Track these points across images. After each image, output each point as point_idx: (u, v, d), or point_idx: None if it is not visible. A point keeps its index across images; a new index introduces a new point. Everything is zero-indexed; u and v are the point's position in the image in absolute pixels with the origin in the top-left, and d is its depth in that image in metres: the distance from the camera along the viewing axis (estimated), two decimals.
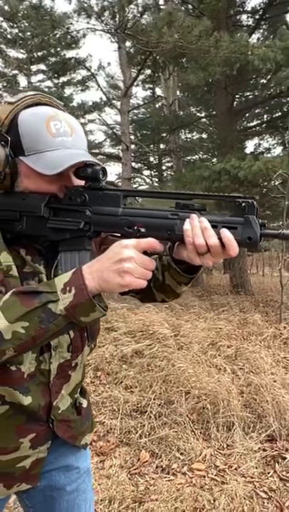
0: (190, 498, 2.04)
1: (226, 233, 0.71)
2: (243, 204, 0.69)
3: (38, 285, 0.76)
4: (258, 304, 7.21)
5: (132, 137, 13.34)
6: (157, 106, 15.17)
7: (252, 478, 2.19)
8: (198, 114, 13.19)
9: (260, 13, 8.47)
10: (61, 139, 0.81)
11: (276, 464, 2.26)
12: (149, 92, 16.49)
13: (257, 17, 9.16)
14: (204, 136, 13.85)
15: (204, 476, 2.23)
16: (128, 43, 9.53)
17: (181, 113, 12.78)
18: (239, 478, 2.18)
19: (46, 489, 1.01)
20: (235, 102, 9.48)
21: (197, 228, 0.72)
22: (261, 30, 10.00)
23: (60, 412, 0.94)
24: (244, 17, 9.84)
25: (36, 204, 0.82)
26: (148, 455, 2.44)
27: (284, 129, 8.62)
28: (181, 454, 2.42)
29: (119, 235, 0.86)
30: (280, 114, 9.61)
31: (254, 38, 9.09)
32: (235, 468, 2.28)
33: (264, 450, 2.39)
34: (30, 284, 0.85)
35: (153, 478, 2.24)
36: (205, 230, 0.72)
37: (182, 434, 2.57)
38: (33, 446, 0.92)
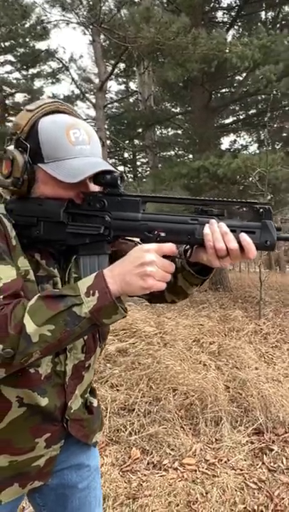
0: (183, 492, 2.11)
1: (245, 237, 0.77)
2: (261, 210, 0.75)
3: (62, 289, 0.79)
4: (237, 300, 7.40)
5: (107, 133, 13.29)
6: (131, 101, 15.15)
7: (241, 470, 2.29)
8: (173, 109, 13.28)
9: (236, 10, 8.62)
10: (80, 148, 0.85)
11: (264, 456, 2.37)
12: (123, 87, 16.46)
13: (233, 14, 9.32)
14: (179, 132, 13.97)
15: (195, 470, 2.31)
16: (103, 37, 9.48)
17: (155, 108, 12.83)
18: (229, 471, 2.27)
19: (58, 487, 1.05)
20: (211, 99, 9.62)
21: (217, 233, 0.77)
22: (236, 27, 10.20)
23: (72, 411, 0.98)
24: (220, 14, 10.00)
25: (54, 210, 0.84)
26: (139, 452, 2.49)
27: (260, 126, 8.84)
28: (172, 449, 2.49)
29: (131, 239, 0.90)
30: (255, 111, 9.82)
31: (229, 35, 9.27)
32: (225, 462, 2.37)
33: (252, 443, 2.50)
34: (45, 287, 0.88)
35: (145, 475, 2.30)
36: (225, 235, 0.77)
37: (172, 430, 2.64)
38: (47, 446, 0.95)
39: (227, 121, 11.53)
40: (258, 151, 10.70)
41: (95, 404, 1.09)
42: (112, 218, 0.83)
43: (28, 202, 0.87)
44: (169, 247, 0.78)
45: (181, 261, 0.92)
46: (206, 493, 2.10)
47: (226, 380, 3.23)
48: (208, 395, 2.88)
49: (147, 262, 0.75)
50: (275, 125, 7.70)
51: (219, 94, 10.82)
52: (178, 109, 13.10)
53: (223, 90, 10.24)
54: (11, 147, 0.87)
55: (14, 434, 0.90)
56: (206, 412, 2.76)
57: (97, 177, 0.85)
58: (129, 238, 0.93)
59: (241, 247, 0.77)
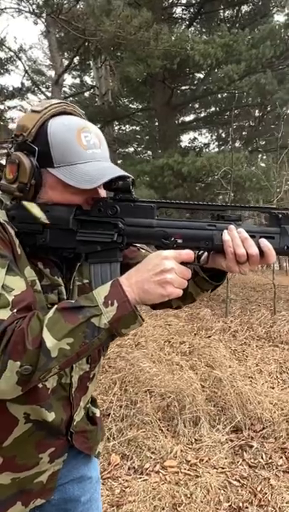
0: (167, 495, 2.13)
1: (265, 243, 0.79)
2: (280, 215, 0.78)
3: (78, 299, 0.77)
4: (203, 299, 7.57)
5: None
6: (87, 95, 14.98)
7: (223, 468, 2.35)
8: (130, 105, 13.31)
9: (197, 7, 8.79)
10: (92, 152, 0.83)
11: (244, 453, 2.45)
12: (77, 80, 16.20)
13: (192, 11, 9.50)
14: (138, 128, 14.04)
15: (178, 472, 2.35)
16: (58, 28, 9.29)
17: (114, 103, 12.79)
18: (211, 470, 2.33)
19: (60, 503, 1.03)
20: (173, 96, 9.75)
21: (237, 239, 0.80)
22: (196, 25, 10.40)
23: (75, 423, 0.97)
24: (179, 10, 10.16)
25: (62, 216, 0.83)
26: (118, 458, 2.49)
27: (221, 124, 9.09)
28: (152, 453, 2.51)
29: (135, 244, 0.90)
30: (215, 109, 10.08)
31: (189, 33, 9.42)
32: (206, 461, 2.42)
33: (231, 441, 2.58)
34: (49, 297, 0.86)
35: (127, 480, 2.30)
36: (245, 240, 0.79)
37: (150, 433, 2.66)
38: (51, 460, 0.94)
39: (188, 118, 11.75)
40: (217, 149, 10.99)
41: (98, 414, 1.08)
42: (125, 225, 0.83)
43: None
44: (188, 254, 0.79)
45: (194, 267, 0.93)
46: (191, 495, 2.14)
47: (201, 380, 3.30)
48: (185, 395, 2.93)
49: (167, 269, 0.76)
50: (236, 124, 7.94)
51: (180, 92, 11.01)
52: (136, 105, 13.15)
53: (184, 87, 10.43)
54: (11, 150, 0.84)
55: (18, 451, 0.88)
56: (184, 412, 2.81)
57: (109, 182, 0.84)
58: (134, 244, 0.93)
59: (261, 253, 0.80)
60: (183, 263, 0.79)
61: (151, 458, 2.46)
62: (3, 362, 0.69)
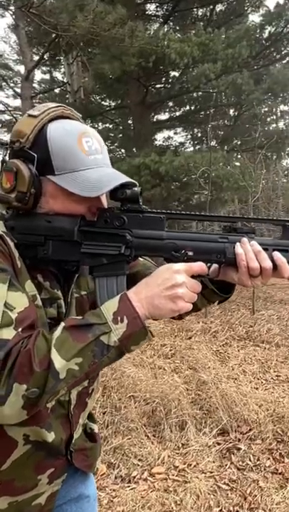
0: (157, 503, 2.12)
1: (279, 256, 0.79)
2: None
3: (86, 316, 0.74)
4: None
5: None
6: (58, 91, 14.77)
7: (211, 472, 2.37)
8: (103, 102, 13.22)
9: (171, 5, 8.83)
10: (94, 157, 0.81)
11: (232, 456, 2.47)
12: (47, 76, 15.92)
13: (165, 8, 9.53)
14: (110, 126, 13.96)
15: (166, 479, 2.34)
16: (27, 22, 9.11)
17: (86, 101, 12.67)
18: (200, 475, 2.34)
19: None
20: (147, 94, 9.75)
21: (250, 252, 0.79)
22: (169, 22, 10.45)
23: (74, 441, 0.94)
24: (152, 7, 10.17)
25: (66, 227, 0.80)
26: (105, 467, 2.46)
27: (196, 123, 9.17)
28: (139, 460, 2.49)
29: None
30: (192, 108, 10.16)
31: (163, 30, 9.45)
32: (194, 466, 2.43)
33: (218, 444, 2.59)
34: (48, 311, 0.83)
35: (114, 490, 2.28)
36: (259, 254, 0.79)
37: (136, 440, 2.64)
38: (50, 481, 0.91)
39: (162, 117, 11.79)
40: (192, 149, 11.09)
41: (96, 429, 1.06)
42: (133, 237, 0.81)
43: (33, 218, 0.81)
44: (200, 267, 0.77)
45: (203, 279, 0.92)
46: (181, 501, 2.14)
47: (185, 383, 3.31)
48: (170, 399, 2.93)
49: (178, 284, 0.74)
50: (212, 123, 8.04)
51: (154, 90, 11.02)
52: (109, 103, 13.07)
53: (159, 86, 10.45)
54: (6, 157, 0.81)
55: (16, 474, 0.85)
56: (170, 417, 2.80)
57: (116, 191, 0.81)
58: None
59: (274, 266, 0.79)
60: (193, 276, 0.78)
61: (138, 465, 2.45)
62: (8, 385, 0.65)
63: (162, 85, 10.62)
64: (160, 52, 6.63)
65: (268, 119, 9.04)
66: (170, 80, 9.86)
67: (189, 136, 12.38)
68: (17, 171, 0.78)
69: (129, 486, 2.28)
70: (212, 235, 0.82)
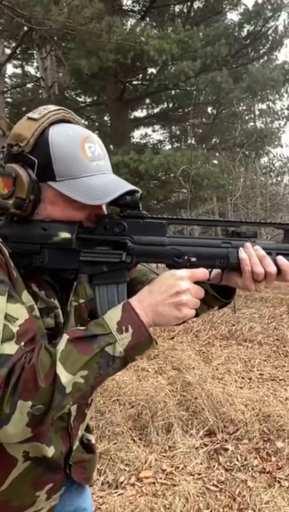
0: (146, 508, 2.12)
1: (283, 260, 0.80)
2: None
3: (89, 327, 0.73)
4: None
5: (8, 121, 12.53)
6: (30, 86, 14.50)
7: (199, 474, 2.38)
8: (78, 98, 13.09)
9: (149, 0, 8.82)
10: (97, 164, 0.79)
11: (219, 457, 2.50)
12: (18, 70, 15.61)
13: (143, 3, 9.52)
14: (87, 123, 13.85)
15: (154, 483, 2.34)
16: None
17: (60, 97, 12.50)
18: (188, 477, 2.35)
19: None
20: (125, 91, 9.73)
21: (254, 257, 0.79)
22: (147, 19, 10.45)
23: (72, 454, 0.93)
24: (129, 2, 10.15)
25: (64, 235, 0.78)
26: None
27: (175, 121, 9.20)
28: (126, 465, 2.48)
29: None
30: (170, 106, 10.20)
31: (141, 26, 9.43)
32: (182, 468, 2.44)
33: (205, 445, 2.61)
34: (46, 321, 0.82)
35: (102, 496, 2.26)
36: (263, 259, 0.79)
37: (123, 444, 2.63)
38: (48, 497, 0.90)
39: (140, 114, 11.79)
40: (170, 146, 11.13)
41: (93, 440, 1.04)
42: (134, 243, 0.80)
43: (28, 226, 0.79)
44: (203, 273, 0.77)
45: (204, 285, 0.92)
46: (170, 505, 2.14)
47: (170, 384, 3.32)
48: (155, 402, 2.93)
49: (183, 291, 0.74)
50: (191, 121, 8.09)
51: (132, 87, 11.00)
52: (85, 99, 12.95)
53: (137, 83, 10.43)
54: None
55: (14, 492, 0.83)
56: (156, 420, 2.81)
57: (116, 198, 0.79)
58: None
59: (278, 270, 0.80)
60: (196, 282, 0.77)
61: (125, 470, 2.44)
62: (12, 403, 0.63)
63: (140, 82, 10.61)
64: (138, 48, 6.61)
65: (246, 117, 9.18)
66: (148, 77, 9.86)
67: (167, 134, 12.43)
68: (16, 176, 0.75)
69: (116, 492, 2.27)
70: (214, 240, 0.82)
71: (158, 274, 0.91)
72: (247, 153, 7.00)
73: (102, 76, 9.37)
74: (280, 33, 7.66)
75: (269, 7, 7.36)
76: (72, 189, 0.76)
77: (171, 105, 10.05)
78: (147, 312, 0.73)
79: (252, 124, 9.92)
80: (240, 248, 0.81)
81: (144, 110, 11.80)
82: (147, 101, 11.24)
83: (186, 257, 0.79)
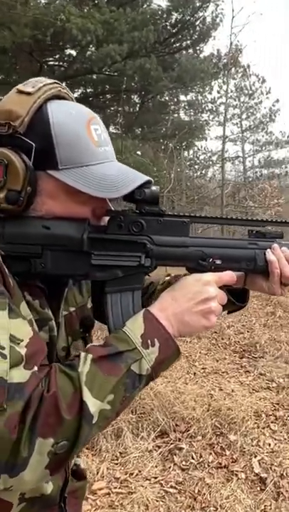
0: None
1: None
2: None
3: (110, 342, 0.65)
4: None
5: None
6: None
7: (156, 478, 2.39)
8: None
9: None
10: (104, 150, 0.72)
11: (174, 457, 2.53)
12: None
13: None
14: None
15: (109, 494, 2.29)
16: None
17: None
18: (144, 483, 2.35)
19: None
20: (42, 71, 9.33)
21: (283, 259, 0.78)
22: None
23: (67, 485, 0.86)
24: None
25: (71, 235, 0.70)
26: None
27: (97, 107, 9.07)
28: None
29: None
30: (91, 91, 10.02)
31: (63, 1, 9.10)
32: (137, 474, 2.43)
33: (158, 447, 2.63)
34: (40, 336, 0.72)
35: None
36: None
37: None
38: None
39: None
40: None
41: (82, 465, 0.97)
42: (153, 244, 0.73)
43: (26, 224, 0.69)
44: (231, 277, 0.75)
45: None
46: None
47: None
48: None
49: (212, 297, 0.71)
50: (114, 109, 8.05)
51: (47, 67, 10.58)
52: None
53: (53, 63, 10.06)
54: None
55: None
56: None
57: (132, 191, 0.72)
58: None
59: None
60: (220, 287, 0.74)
61: None
62: (30, 443, 0.54)
63: (58, 63, 10.26)
64: (59, 26, 6.38)
65: (174, 108, 9.39)
66: (66, 58, 9.58)
67: None
68: (8, 164, 0.65)
69: None
70: (240, 240, 0.80)
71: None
72: (175, 145, 7.14)
73: (15, 52, 8.87)
74: (207, 25, 7.93)
75: None
76: (79, 179, 0.67)
77: (92, 90, 9.88)
78: (172, 322, 0.69)
79: (179, 115, 10.17)
80: (268, 249, 0.79)
81: None
82: (64, 84, 10.92)
83: (210, 260, 0.76)
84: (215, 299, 0.71)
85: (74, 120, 0.69)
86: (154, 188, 0.74)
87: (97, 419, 0.59)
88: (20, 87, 0.70)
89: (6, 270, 0.65)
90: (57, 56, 9.22)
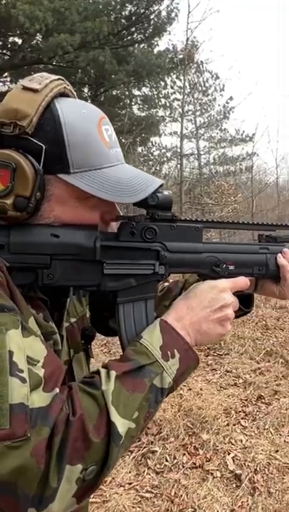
0: None
1: None
2: None
3: (130, 356, 0.64)
4: None
5: None
6: None
7: (130, 484, 2.39)
8: None
9: None
10: (115, 151, 0.71)
11: (148, 461, 2.54)
12: None
13: None
14: None
15: None
16: None
17: None
18: (119, 490, 2.34)
19: None
20: None
21: None
22: None
23: None
24: None
25: (83, 243, 0.68)
26: None
27: None
28: None
29: None
30: None
31: None
32: (110, 481, 2.41)
33: (131, 451, 2.63)
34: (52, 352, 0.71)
35: None
36: None
37: None
38: None
39: (3, 89, 11.01)
40: None
41: None
42: (167, 251, 0.73)
43: (32, 232, 0.66)
44: (245, 282, 0.76)
45: None
46: None
47: None
48: None
49: (228, 304, 0.72)
50: None
51: None
52: None
53: None
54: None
55: None
56: None
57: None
58: None
59: None
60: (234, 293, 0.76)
61: None
62: (59, 472, 0.51)
63: (0, 51, 9.89)
64: (4, 12, 6.16)
65: (127, 102, 9.35)
66: (10, 46, 9.25)
67: None
68: (16, 168, 0.62)
69: None
70: (251, 245, 0.81)
71: None
72: (130, 140, 7.12)
73: None
74: (162, 19, 7.95)
75: None
76: (92, 183, 0.66)
77: None
78: (189, 331, 0.69)
79: (132, 110, 10.14)
80: (279, 254, 0.81)
81: (7, 85, 11.06)
82: (6, 74, 10.56)
83: (224, 266, 0.77)
84: (231, 305, 0.72)
85: (86, 120, 0.67)
86: (166, 192, 0.74)
87: (123, 439, 0.58)
88: (25, 83, 0.66)
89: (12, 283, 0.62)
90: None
